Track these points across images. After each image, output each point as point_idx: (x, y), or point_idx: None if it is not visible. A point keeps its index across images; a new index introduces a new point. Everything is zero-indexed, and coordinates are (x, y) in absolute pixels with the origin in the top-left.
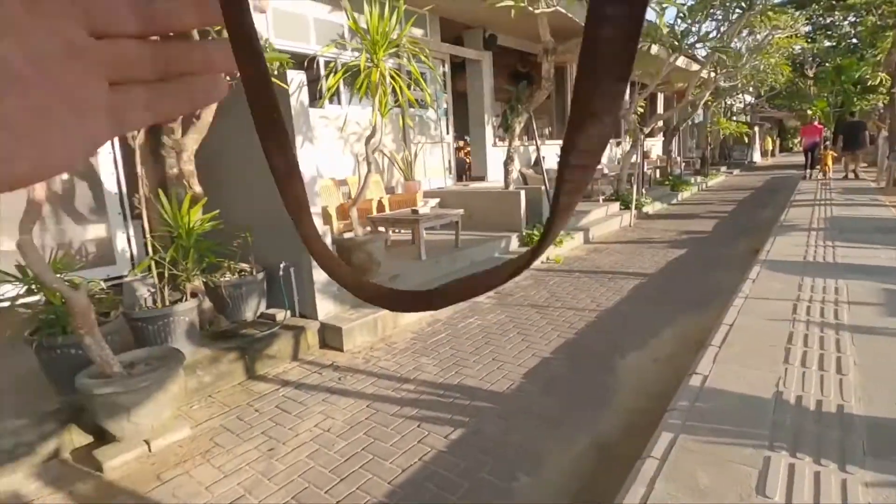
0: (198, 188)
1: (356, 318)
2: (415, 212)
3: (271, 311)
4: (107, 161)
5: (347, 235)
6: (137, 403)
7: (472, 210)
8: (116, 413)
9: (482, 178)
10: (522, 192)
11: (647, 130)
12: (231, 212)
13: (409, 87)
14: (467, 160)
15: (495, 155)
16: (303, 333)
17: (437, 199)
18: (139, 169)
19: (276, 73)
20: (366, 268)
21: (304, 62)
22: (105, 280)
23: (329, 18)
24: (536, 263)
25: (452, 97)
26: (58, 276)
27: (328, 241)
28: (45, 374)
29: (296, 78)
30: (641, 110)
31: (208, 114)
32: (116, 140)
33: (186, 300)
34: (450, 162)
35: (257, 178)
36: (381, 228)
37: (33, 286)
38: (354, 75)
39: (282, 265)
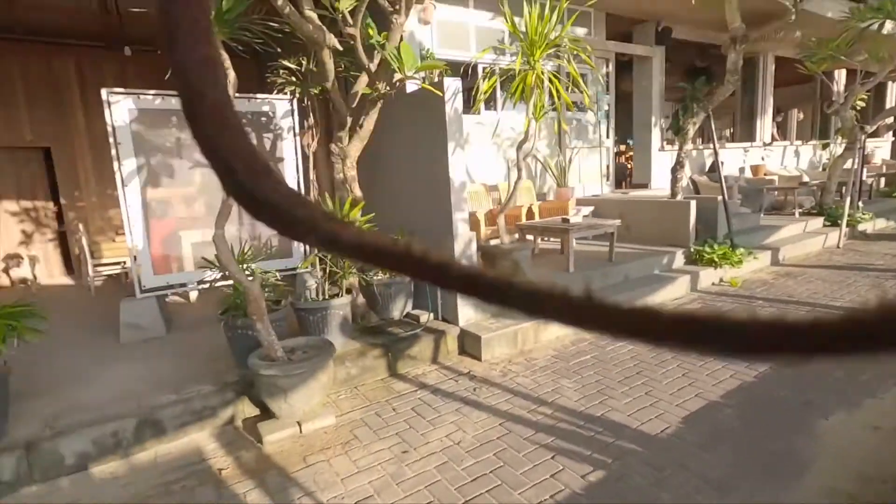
0: (358, 192)
1: (496, 329)
2: (565, 220)
3: (416, 312)
4: (291, 166)
5: (494, 242)
6: (293, 387)
7: (630, 220)
8: (276, 394)
9: (645, 186)
10: (693, 203)
11: (869, 129)
12: (385, 214)
13: (567, 89)
14: (628, 166)
15: (662, 160)
16: (443, 338)
17: (591, 208)
18: (311, 174)
19: (435, 80)
20: None
21: (461, 69)
22: (281, 271)
23: (489, 25)
24: (707, 284)
25: (615, 98)
26: (242, 266)
27: (473, 248)
28: (230, 349)
29: (451, 85)
30: (863, 104)
31: (370, 122)
32: (299, 147)
33: (342, 295)
34: (608, 168)
35: (408, 183)
36: (530, 237)
37: (224, 273)
38: (511, 79)
39: None
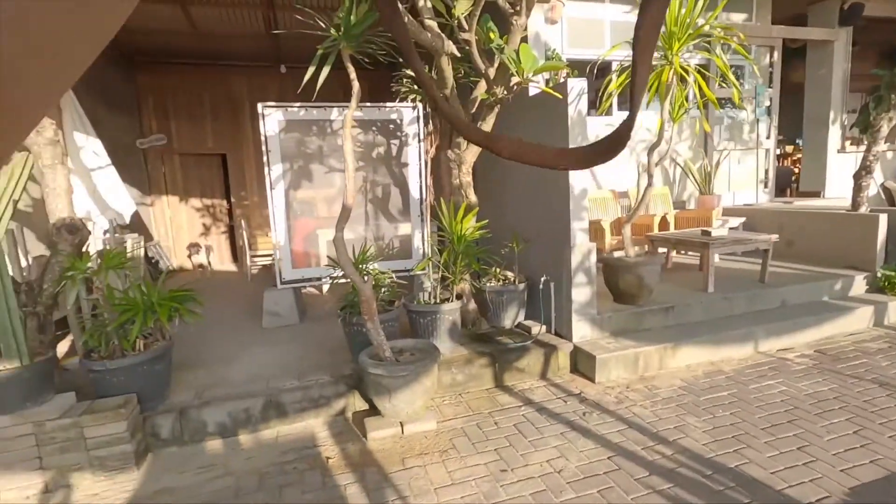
0: (473, 198)
1: (614, 349)
2: (706, 233)
3: (528, 322)
4: (414, 170)
5: (618, 254)
6: (397, 388)
7: (792, 235)
8: (381, 392)
9: (816, 194)
10: (883, 217)
11: None
12: (500, 221)
13: (716, 84)
14: (794, 170)
15: (841, 163)
16: (554, 353)
17: (742, 219)
18: (428, 179)
19: (560, 81)
20: (633, 293)
21: (592, 68)
22: (398, 272)
23: (626, 19)
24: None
25: (780, 92)
26: (360, 266)
27: (592, 259)
28: (347, 343)
29: (575, 86)
30: None
31: (486, 128)
32: (422, 153)
33: (453, 301)
34: (766, 172)
35: (524, 189)
36: (662, 249)
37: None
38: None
39: (543, 278)
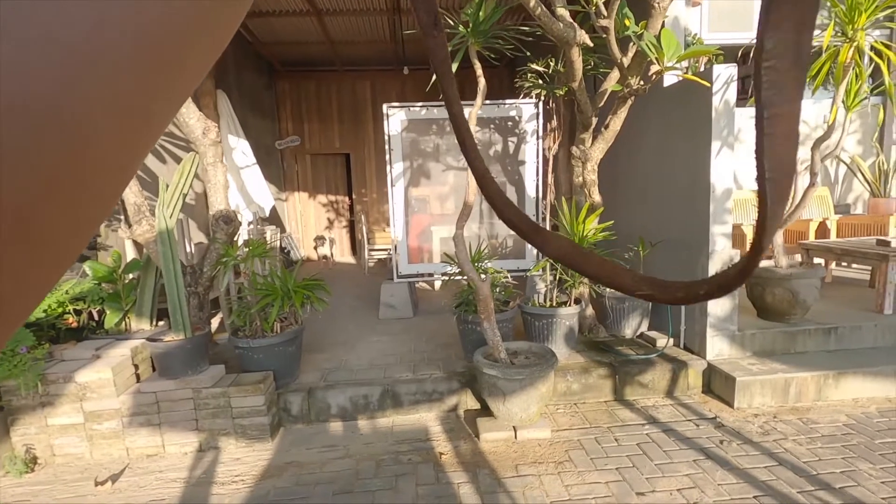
0: (597, 197)
1: (758, 372)
2: (883, 242)
3: (652, 333)
4: (531, 169)
5: (766, 264)
6: (511, 392)
7: None
8: (495, 394)
9: None
10: None
11: None
12: (625, 223)
13: None
14: None
15: None
16: (684, 370)
17: None
18: (549, 177)
19: (700, 69)
20: (783, 310)
21: (737, 54)
22: (512, 272)
23: None
24: None
25: None
26: (476, 264)
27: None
28: (460, 340)
29: (722, 73)
30: None
31: (617, 122)
32: (540, 150)
33: (570, 305)
34: None
35: (655, 189)
36: (818, 260)
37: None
38: (813, 58)
39: None
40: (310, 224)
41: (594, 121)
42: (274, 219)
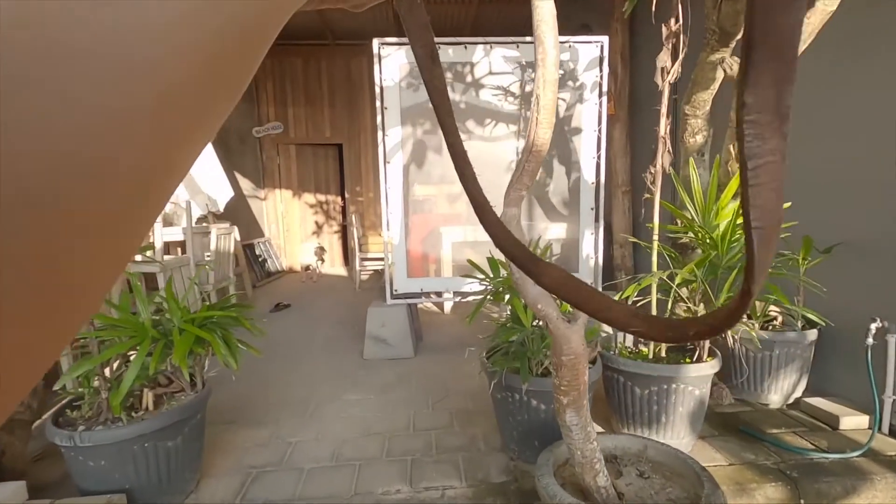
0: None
1: None
2: None
3: (817, 401)
4: (588, 141)
5: None
6: None
7: None
8: None
9: None
10: None
11: None
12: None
13: None
14: None
15: None
16: None
17: None
18: (665, 130)
19: None
20: None
21: None
22: None
23: None
24: None
25: None
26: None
27: None
28: (494, 413)
29: None
30: None
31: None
32: (604, 114)
33: (703, 355)
34: None
35: (836, 166)
36: None
37: (498, 290)
38: None
39: (874, 325)
40: (293, 228)
41: (739, 28)
42: (247, 221)
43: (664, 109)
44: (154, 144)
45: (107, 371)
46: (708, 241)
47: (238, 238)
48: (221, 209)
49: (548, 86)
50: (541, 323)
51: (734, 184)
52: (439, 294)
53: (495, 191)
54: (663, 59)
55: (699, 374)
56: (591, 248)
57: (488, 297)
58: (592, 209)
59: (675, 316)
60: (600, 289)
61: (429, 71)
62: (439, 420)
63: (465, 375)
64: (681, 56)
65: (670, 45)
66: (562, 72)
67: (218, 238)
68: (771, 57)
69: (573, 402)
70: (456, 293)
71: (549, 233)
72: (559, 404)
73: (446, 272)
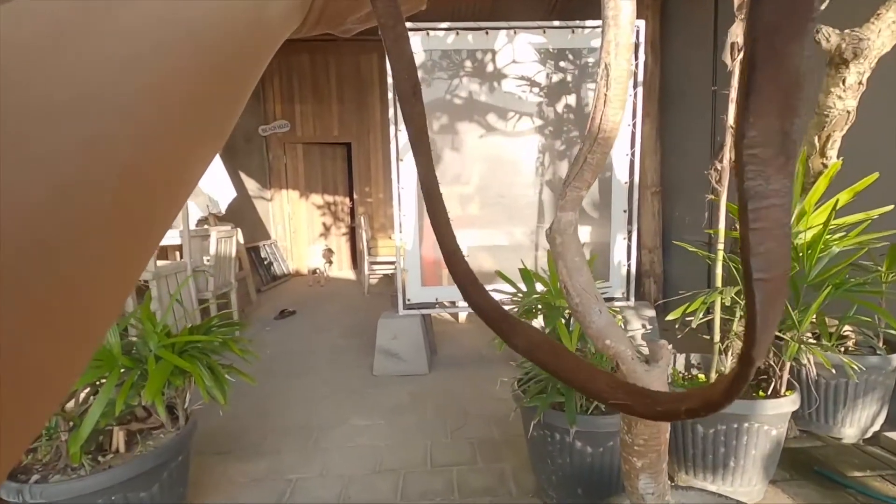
0: (829, 157)
1: None
2: None
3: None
4: (621, 136)
5: None
6: None
7: None
8: None
9: None
10: None
11: None
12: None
13: None
14: None
15: None
16: None
17: None
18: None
19: None
20: None
21: None
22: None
23: None
24: None
25: None
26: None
27: None
28: (531, 457)
29: None
30: None
31: None
32: (640, 106)
33: (781, 388)
34: None
35: None
36: None
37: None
38: None
39: None
40: (301, 230)
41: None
42: (253, 222)
43: (734, 93)
44: (130, 204)
45: (72, 403)
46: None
47: (241, 241)
48: (223, 211)
49: (621, 51)
50: (613, 364)
51: (823, 183)
52: (454, 303)
53: (512, 192)
54: (735, 32)
55: (777, 412)
56: (622, 255)
57: (519, 314)
58: (625, 211)
59: (736, 336)
60: (657, 301)
61: (410, 106)
62: (460, 453)
63: (486, 396)
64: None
65: (743, 15)
66: (591, 60)
67: (218, 241)
68: (777, 81)
69: (650, 467)
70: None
71: (583, 232)
72: (629, 466)
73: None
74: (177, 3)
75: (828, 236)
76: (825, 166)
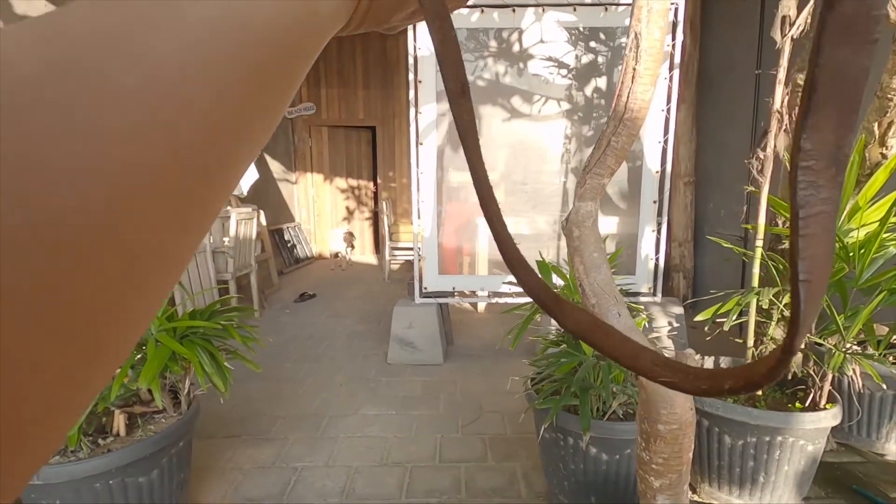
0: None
1: None
2: None
3: None
4: (654, 123)
5: None
6: None
7: None
8: None
9: None
10: None
11: None
12: None
13: None
14: None
15: None
16: None
17: None
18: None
19: None
20: None
21: None
22: (631, 294)
23: None
24: None
25: None
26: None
27: None
28: (543, 462)
29: None
30: None
31: None
32: (675, 90)
33: (821, 401)
34: None
35: None
36: None
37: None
38: None
39: None
40: (325, 213)
41: None
42: (278, 205)
43: (782, 74)
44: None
45: None
46: (837, 250)
47: (264, 222)
48: (245, 192)
49: (654, 18)
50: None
51: (881, 176)
52: (473, 293)
53: (536, 179)
54: (787, 4)
55: (816, 427)
56: (651, 248)
57: (537, 312)
58: (655, 202)
59: (772, 341)
60: (686, 299)
61: (458, 105)
62: (471, 449)
63: (501, 391)
64: (811, 1)
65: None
66: (624, 40)
67: (238, 223)
68: (836, 101)
69: (669, 488)
70: (492, 293)
71: (602, 228)
72: (646, 486)
73: (482, 269)
74: (235, 1)
75: (885, 235)
76: (884, 157)
